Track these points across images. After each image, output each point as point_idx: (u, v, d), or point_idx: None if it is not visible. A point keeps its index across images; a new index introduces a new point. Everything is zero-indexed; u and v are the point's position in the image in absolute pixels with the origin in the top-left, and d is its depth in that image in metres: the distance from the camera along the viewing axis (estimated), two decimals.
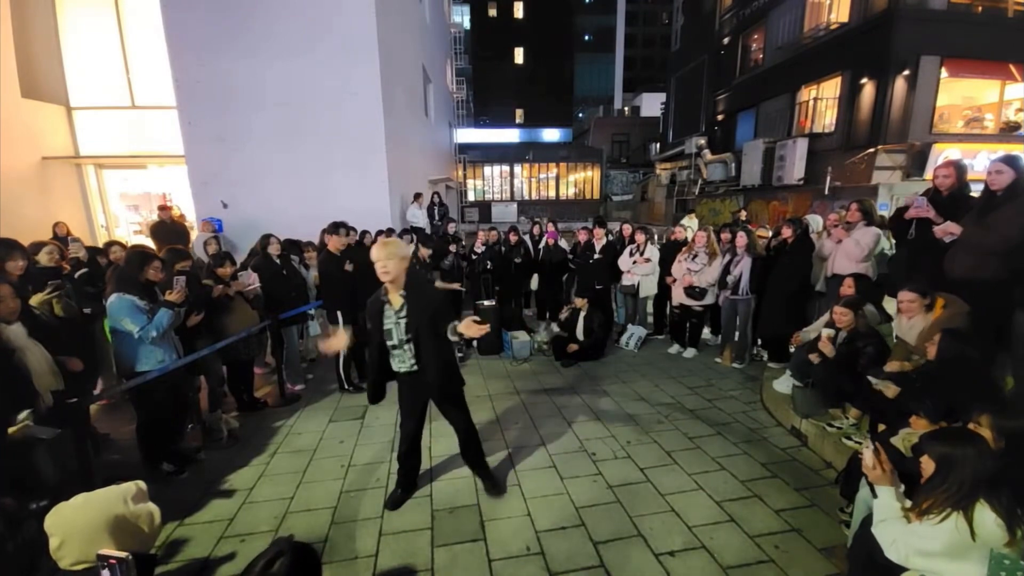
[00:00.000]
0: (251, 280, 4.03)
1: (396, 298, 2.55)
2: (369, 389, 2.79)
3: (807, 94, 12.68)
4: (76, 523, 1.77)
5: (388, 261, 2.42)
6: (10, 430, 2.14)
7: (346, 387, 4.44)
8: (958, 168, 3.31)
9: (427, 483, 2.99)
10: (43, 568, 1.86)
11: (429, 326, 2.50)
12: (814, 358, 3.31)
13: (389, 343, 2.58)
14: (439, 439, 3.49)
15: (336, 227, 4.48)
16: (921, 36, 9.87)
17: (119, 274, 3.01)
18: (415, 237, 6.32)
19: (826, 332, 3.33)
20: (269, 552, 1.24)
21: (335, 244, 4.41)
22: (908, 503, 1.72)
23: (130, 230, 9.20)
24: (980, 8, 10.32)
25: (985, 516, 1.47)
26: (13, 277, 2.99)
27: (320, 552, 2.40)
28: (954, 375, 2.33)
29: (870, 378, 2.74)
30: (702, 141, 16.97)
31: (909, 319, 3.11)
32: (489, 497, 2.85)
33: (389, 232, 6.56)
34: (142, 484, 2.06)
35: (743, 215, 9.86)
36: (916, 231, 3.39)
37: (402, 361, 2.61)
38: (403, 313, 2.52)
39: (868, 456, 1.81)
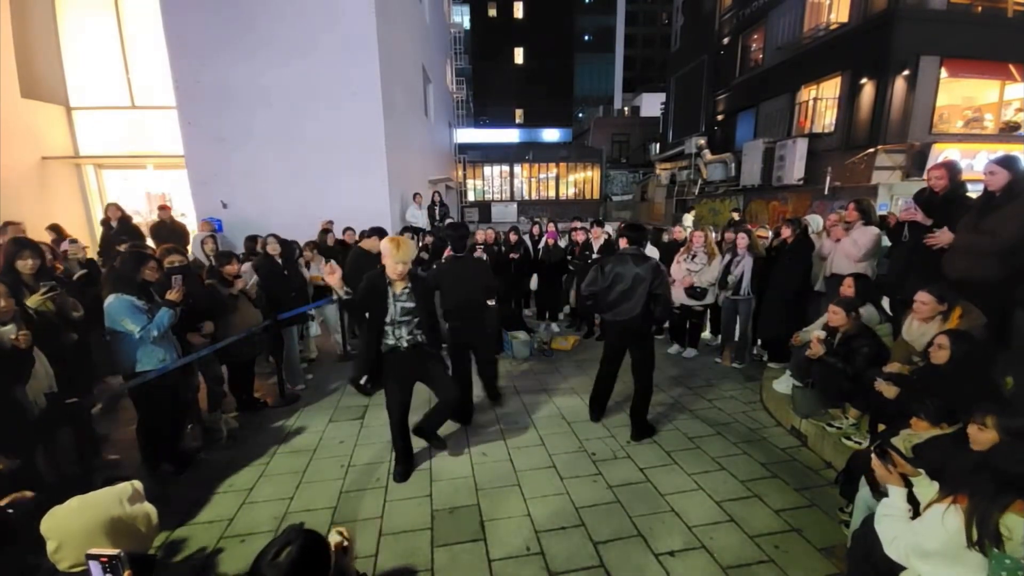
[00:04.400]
0: (252, 276, 4.05)
1: (399, 284, 2.86)
2: (364, 366, 2.96)
3: (807, 94, 12.67)
4: (72, 526, 1.76)
5: (409, 264, 2.83)
6: None
7: (349, 349, 4.88)
8: (951, 169, 3.31)
9: (427, 483, 3.00)
10: (42, 569, 1.86)
11: (426, 305, 2.94)
12: (813, 353, 3.30)
13: (386, 320, 2.85)
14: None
15: (373, 232, 5.00)
16: (921, 36, 9.86)
17: (116, 275, 2.99)
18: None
19: (817, 334, 3.36)
20: (279, 542, 1.25)
21: (369, 245, 4.89)
22: (934, 494, 1.66)
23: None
24: (980, 8, 10.31)
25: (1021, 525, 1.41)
26: (25, 276, 2.99)
27: None
28: (963, 378, 2.32)
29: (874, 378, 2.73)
30: (702, 141, 16.94)
31: (920, 322, 2.97)
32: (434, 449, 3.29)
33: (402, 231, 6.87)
34: (138, 484, 2.05)
35: (736, 216, 9.87)
36: (910, 233, 3.40)
37: (398, 337, 2.88)
38: (403, 297, 2.85)
39: (875, 460, 1.84)
